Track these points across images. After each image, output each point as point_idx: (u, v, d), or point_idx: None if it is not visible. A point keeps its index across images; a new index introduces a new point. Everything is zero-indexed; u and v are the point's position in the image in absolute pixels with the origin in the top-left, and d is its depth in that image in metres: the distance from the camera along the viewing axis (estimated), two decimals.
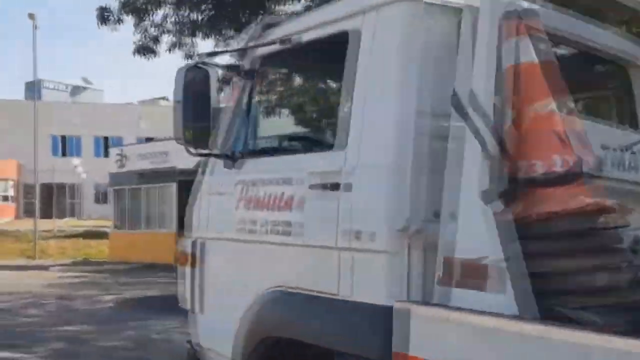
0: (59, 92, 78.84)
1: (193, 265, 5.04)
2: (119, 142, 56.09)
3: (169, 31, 13.59)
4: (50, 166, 49.78)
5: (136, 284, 19.29)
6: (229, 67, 6.28)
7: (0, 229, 38.55)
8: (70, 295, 16.06)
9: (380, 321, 3.34)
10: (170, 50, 13.82)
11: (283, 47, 4.28)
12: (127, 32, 14.34)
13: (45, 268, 25.65)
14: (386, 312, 3.32)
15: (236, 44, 4.11)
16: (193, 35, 13.88)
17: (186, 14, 13.41)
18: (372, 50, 3.69)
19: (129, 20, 13.27)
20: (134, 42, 13.57)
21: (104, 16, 13.02)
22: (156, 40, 13.59)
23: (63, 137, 55.49)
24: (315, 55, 4.39)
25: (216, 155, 4.71)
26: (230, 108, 4.79)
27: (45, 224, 38.52)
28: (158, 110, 59.76)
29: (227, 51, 5.22)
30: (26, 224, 37.30)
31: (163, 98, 75.62)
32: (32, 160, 40.55)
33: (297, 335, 3.95)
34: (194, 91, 4.38)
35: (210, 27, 13.84)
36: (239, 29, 14.38)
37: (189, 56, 14.36)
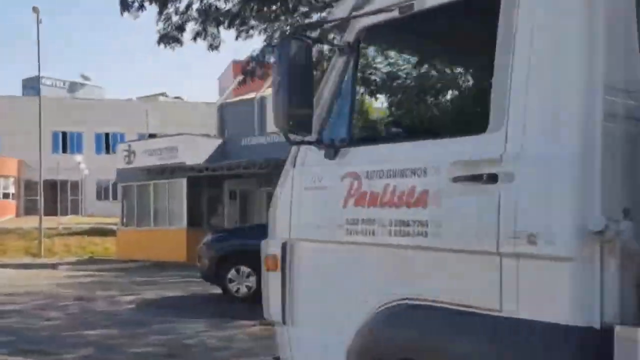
0: (57, 89, 77.94)
1: (283, 271, 4.30)
2: (120, 138, 55.44)
3: (194, 19, 12.97)
4: (54, 163, 49.27)
5: (151, 283, 18.59)
6: (325, 42, 5.54)
7: (2, 226, 37.75)
8: (88, 296, 15.38)
9: (572, 346, 2.69)
10: (195, 38, 13.18)
11: (402, 14, 3.61)
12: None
13: (53, 267, 24.98)
14: (581, 335, 2.68)
15: (334, 13, 3.45)
16: (218, 24, 13.27)
17: (211, 0, 12.82)
18: (542, 5, 3.02)
19: (152, 8, 12.66)
20: (158, 31, 12.95)
21: (126, 3, 12.36)
22: (181, 28, 12.94)
23: (64, 134, 54.63)
24: (446, 20, 3.67)
25: (316, 144, 3.97)
26: (330, 89, 4.07)
27: (48, 222, 37.76)
28: (159, 106, 59.04)
29: (329, 22, 4.43)
30: (29, 222, 36.61)
31: (162, 94, 74.87)
32: (32, 158, 39.94)
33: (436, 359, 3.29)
34: (296, 68, 3.66)
35: (234, 17, 13.24)
36: (265, 19, 13.76)
37: (214, 47, 13.76)
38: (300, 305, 4.20)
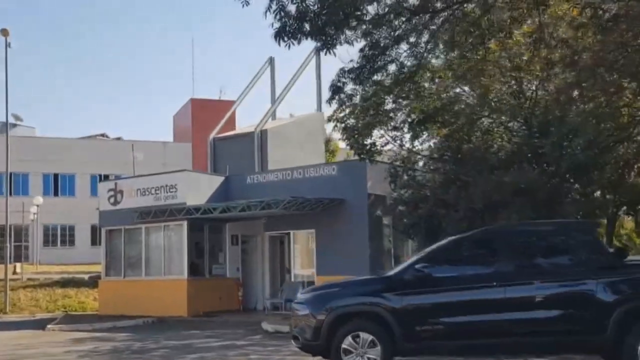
0: None
1: None
2: (69, 180, 50.97)
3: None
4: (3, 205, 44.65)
5: (189, 348, 14.91)
6: None
7: None
8: None
9: None
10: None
11: None
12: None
13: (42, 326, 20.77)
14: None
15: None
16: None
17: None
18: None
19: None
20: (271, 26, 9.80)
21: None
22: (300, 19, 9.79)
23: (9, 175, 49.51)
24: None
25: None
26: None
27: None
28: (104, 146, 54.76)
29: None
30: None
31: (102, 135, 70.20)
32: None
33: None
34: None
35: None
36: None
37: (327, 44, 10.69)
38: None
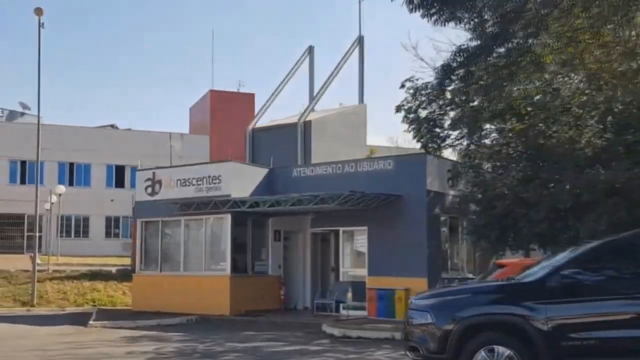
0: None
1: None
2: (85, 169, 49.43)
3: None
4: (20, 194, 43.17)
5: (256, 352, 13.45)
6: None
7: None
8: None
9: None
10: None
11: None
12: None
13: (78, 321, 19.30)
14: None
15: None
16: None
17: None
18: None
19: None
20: None
21: None
22: None
23: (23, 163, 48.11)
24: None
25: None
26: None
27: (21, 262, 31.74)
28: (121, 136, 53.13)
29: None
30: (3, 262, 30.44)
31: (112, 125, 68.72)
32: None
33: None
34: None
35: None
36: None
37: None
38: None
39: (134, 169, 50.84)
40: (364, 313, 20.76)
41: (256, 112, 52.73)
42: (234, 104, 51.09)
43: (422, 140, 18.58)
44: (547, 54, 12.76)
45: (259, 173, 22.92)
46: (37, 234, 25.93)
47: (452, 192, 21.62)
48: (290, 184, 22.55)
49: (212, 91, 51.63)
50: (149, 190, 23.64)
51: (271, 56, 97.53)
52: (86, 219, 48.94)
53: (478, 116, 17.17)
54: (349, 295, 21.13)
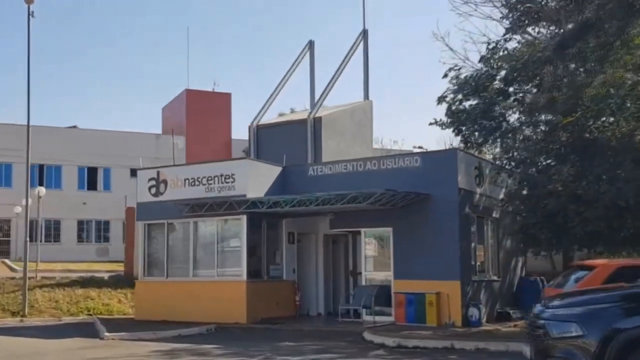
0: None
1: None
2: (57, 170, 46.97)
3: None
4: None
5: None
6: None
7: None
8: None
9: None
10: None
11: None
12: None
13: (87, 333, 17.49)
14: None
15: None
16: None
17: None
18: None
19: None
20: None
21: None
22: None
23: None
24: None
25: None
26: None
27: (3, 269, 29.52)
28: (93, 136, 50.65)
29: None
30: None
31: (74, 127, 66.40)
32: None
33: None
34: None
35: None
36: None
37: None
38: None
39: (107, 171, 48.84)
40: (390, 319, 19.41)
41: (232, 111, 51.39)
42: (210, 103, 49.30)
43: (466, 133, 17.29)
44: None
45: (273, 171, 21.36)
46: (27, 239, 23.75)
47: (479, 190, 20.44)
48: (306, 183, 21.06)
49: (188, 90, 49.69)
50: (153, 190, 21.88)
51: (244, 55, 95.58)
52: (57, 223, 46.48)
53: (534, 105, 15.95)
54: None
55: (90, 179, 47.70)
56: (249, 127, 25.34)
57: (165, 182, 21.65)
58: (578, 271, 12.82)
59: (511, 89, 16.40)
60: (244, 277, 20.16)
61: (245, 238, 20.30)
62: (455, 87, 17.64)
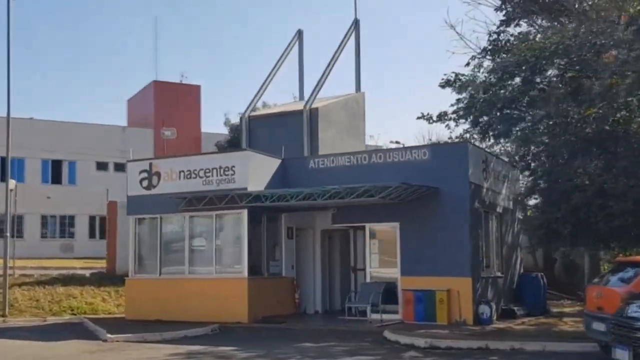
0: None
1: None
2: (20, 163, 44.83)
3: None
4: None
5: None
6: None
7: None
8: None
9: None
10: None
11: None
12: None
13: (83, 334, 16.28)
14: None
15: None
16: None
17: None
18: None
19: None
20: None
21: None
22: None
23: None
24: None
25: None
26: None
27: None
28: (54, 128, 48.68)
29: None
30: None
31: (30, 119, 64.16)
32: None
33: None
34: None
35: None
36: None
37: None
38: None
39: (72, 164, 46.93)
40: (397, 317, 18.66)
41: (202, 104, 49.92)
42: (179, 96, 47.82)
43: (483, 124, 16.61)
44: None
45: (272, 164, 20.39)
46: (7, 234, 22.29)
47: (485, 185, 19.83)
48: (307, 176, 20.16)
49: (155, 82, 48.09)
50: (145, 183, 20.71)
51: (217, 47, 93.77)
52: (20, 218, 44.38)
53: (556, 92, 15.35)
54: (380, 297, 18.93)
55: (55, 172, 45.76)
56: (241, 118, 24.31)
57: (158, 174, 20.48)
58: (626, 268, 12.19)
59: (538, 79, 15.79)
60: (245, 273, 19.14)
61: (246, 233, 19.27)
62: (478, 76, 16.97)
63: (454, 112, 18.74)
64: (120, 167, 46.86)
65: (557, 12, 18.92)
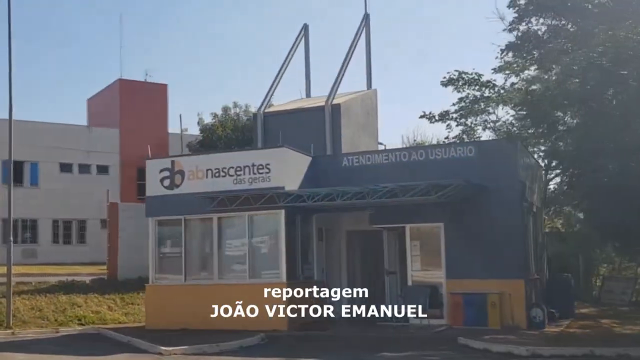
0: None
1: None
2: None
3: None
4: None
5: None
6: None
7: None
8: None
9: None
10: None
11: None
12: None
13: (120, 348, 14.53)
14: None
15: None
16: None
17: None
18: None
19: None
20: None
21: None
22: None
23: None
24: None
25: None
26: None
27: None
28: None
29: None
30: None
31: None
32: None
33: None
34: None
35: None
36: None
37: None
38: None
39: (34, 165, 44.10)
40: (441, 321, 17.56)
41: (168, 102, 47.73)
42: (144, 95, 45.60)
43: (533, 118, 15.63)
44: None
45: (304, 161, 19.01)
46: (10, 239, 20.21)
47: (528, 183, 18.98)
48: (340, 174, 18.89)
49: (121, 80, 45.70)
50: (167, 182, 19.02)
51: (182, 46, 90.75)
52: None
53: None
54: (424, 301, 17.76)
55: (16, 173, 42.80)
56: (255, 114, 22.80)
57: (181, 173, 18.82)
58: None
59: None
60: (283, 278, 17.69)
61: (283, 235, 17.82)
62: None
63: (455, 112, 17.77)
64: (84, 169, 44.44)
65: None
